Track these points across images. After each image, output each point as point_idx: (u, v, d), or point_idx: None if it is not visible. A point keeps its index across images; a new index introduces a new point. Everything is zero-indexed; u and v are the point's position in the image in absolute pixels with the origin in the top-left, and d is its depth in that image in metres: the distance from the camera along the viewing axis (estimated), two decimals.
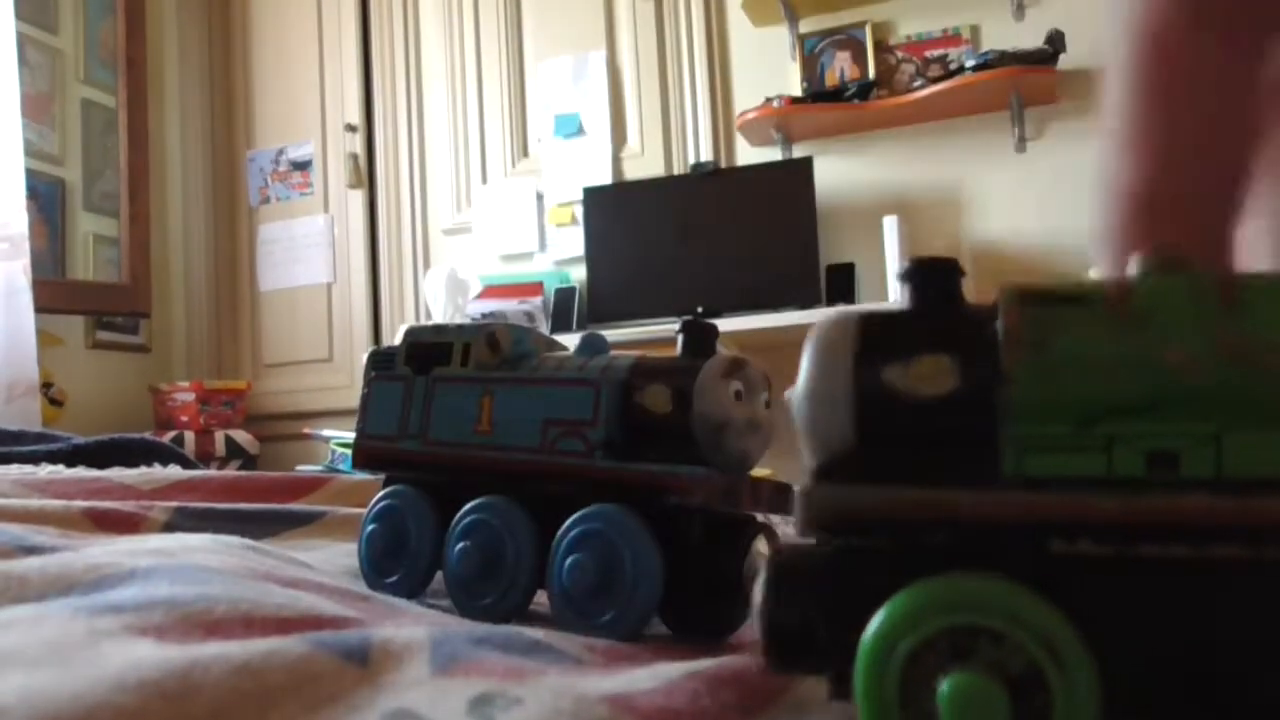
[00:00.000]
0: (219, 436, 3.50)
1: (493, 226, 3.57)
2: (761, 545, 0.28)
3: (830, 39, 3.21)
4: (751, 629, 0.31)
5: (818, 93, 3.12)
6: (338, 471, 2.31)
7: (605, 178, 3.40)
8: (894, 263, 2.79)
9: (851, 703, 0.18)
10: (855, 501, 0.17)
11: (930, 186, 3.08)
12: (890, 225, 2.81)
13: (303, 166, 3.91)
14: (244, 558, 0.30)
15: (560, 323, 3.30)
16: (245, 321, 3.97)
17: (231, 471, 0.64)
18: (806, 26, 3.26)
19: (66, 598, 0.23)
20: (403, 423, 0.32)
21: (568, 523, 0.28)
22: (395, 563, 0.32)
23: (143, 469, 0.63)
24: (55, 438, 0.89)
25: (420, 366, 0.32)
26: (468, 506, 0.30)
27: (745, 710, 0.20)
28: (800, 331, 2.18)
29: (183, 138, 3.96)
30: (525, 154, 3.61)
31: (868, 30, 3.18)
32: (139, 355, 3.75)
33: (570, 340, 0.34)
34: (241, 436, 3.58)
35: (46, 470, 0.64)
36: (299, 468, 2.98)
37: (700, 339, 0.27)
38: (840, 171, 3.17)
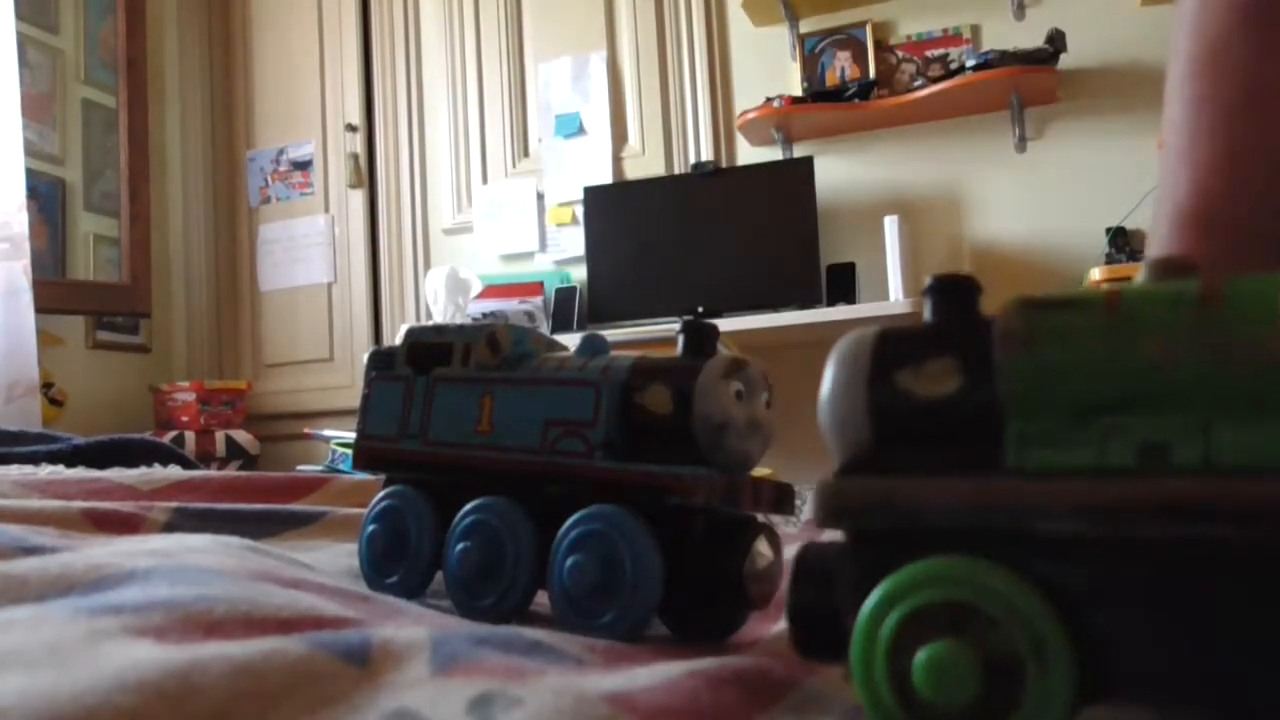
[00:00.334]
0: (219, 437, 3.50)
1: (493, 226, 3.58)
2: (763, 546, 0.28)
3: (831, 39, 3.22)
4: (752, 629, 0.31)
5: (818, 92, 3.12)
6: (338, 472, 2.32)
7: (605, 177, 3.41)
8: (894, 262, 2.79)
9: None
10: (866, 494, 0.18)
11: (930, 186, 3.09)
12: (891, 225, 2.81)
13: (303, 166, 3.91)
14: (244, 558, 0.30)
15: (561, 322, 3.30)
16: (245, 321, 3.97)
17: (231, 472, 0.64)
18: (807, 26, 3.26)
19: (66, 598, 0.23)
20: (403, 423, 0.32)
21: (568, 523, 0.28)
22: (395, 563, 0.32)
23: (143, 469, 0.63)
24: (55, 438, 0.89)
25: (421, 367, 0.32)
26: (468, 507, 0.30)
27: (747, 708, 0.20)
28: (800, 331, 2.18)
29: (183, 138, 3.97)
30: (526, 154, 3.61)
31: (868, 30, 3.18)
32: (139, 355, 3.75)
33: (571, 340, 0.34)
34: (242, 437, 3.58)
35: (47, 470, 0.64)
36: (299, 468, 2.98)
37: (701, 339, 0.27)
38: (840, 171, 3.17)
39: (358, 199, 3.83)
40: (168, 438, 3.11)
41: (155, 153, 3.82)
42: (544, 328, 3.27)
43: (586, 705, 0.19)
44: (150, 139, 3.78)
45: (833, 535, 0.21)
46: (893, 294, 2.78)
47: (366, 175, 3.84)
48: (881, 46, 3.17)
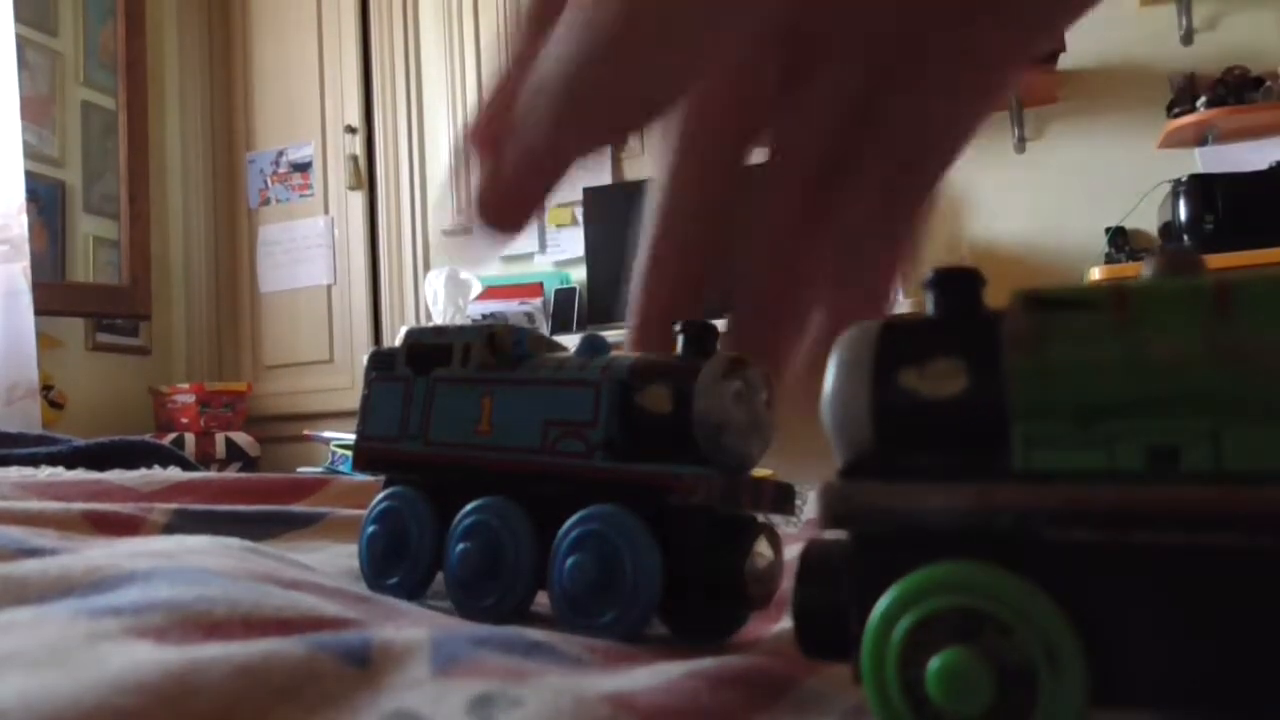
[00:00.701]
0: (219, 438, 3.50)
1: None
2: (763, 546, 0.28)
3: None
4: (752, 629, 0.30)
5: None
6: (338, 473, 2.31)
7: (605, 178, 3.40)
8: None
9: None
10: (868, 496, 0.18)
11: None
12: None
13: (303, 168, 3.91)
14: (244, 559, 0.29)
15: (560, 323, 3.30)
16: (245, 323, 3.97)
17: (231, 474, 0.64)
18: None
19: (66, 600, 0.23)
20: (403, 424, 0.32)
21: (567, 523, 0.28)
22: (396, 564, 0.32)
23: (142, 471, 0.63)
24: (55, 440, 0.89)
25: (420, 367, 0.32)
26: (468, 507, 0.30)
27: (747, 708, 0.20)
28: None
29: (183, 140, 3.97)
30: None
31: None
32: (139, 357, 3.75)
33: (571, 341, 0.34)
34: (242, 438, 3.58)
35: (46, 472, 0.64)
36: (299, 469, 2.98)
37: (700, 339, 0.27)
38: None
39: (357, 201, 3.83)
40: (168, 440, 3.11)
41: (155, 155, 3.82)
42: (544, 329, 3.27)
43: (586, 706, 0.19)
44: (150, 141, 3.78)
45: (836, 533, 0.21)
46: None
47: (366, 177, 3.84)
48: None
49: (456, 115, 3.70)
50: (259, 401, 3.80)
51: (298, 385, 3.83)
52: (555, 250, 3.49)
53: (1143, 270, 0.17)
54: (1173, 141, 2.88)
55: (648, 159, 2.71)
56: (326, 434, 3.17)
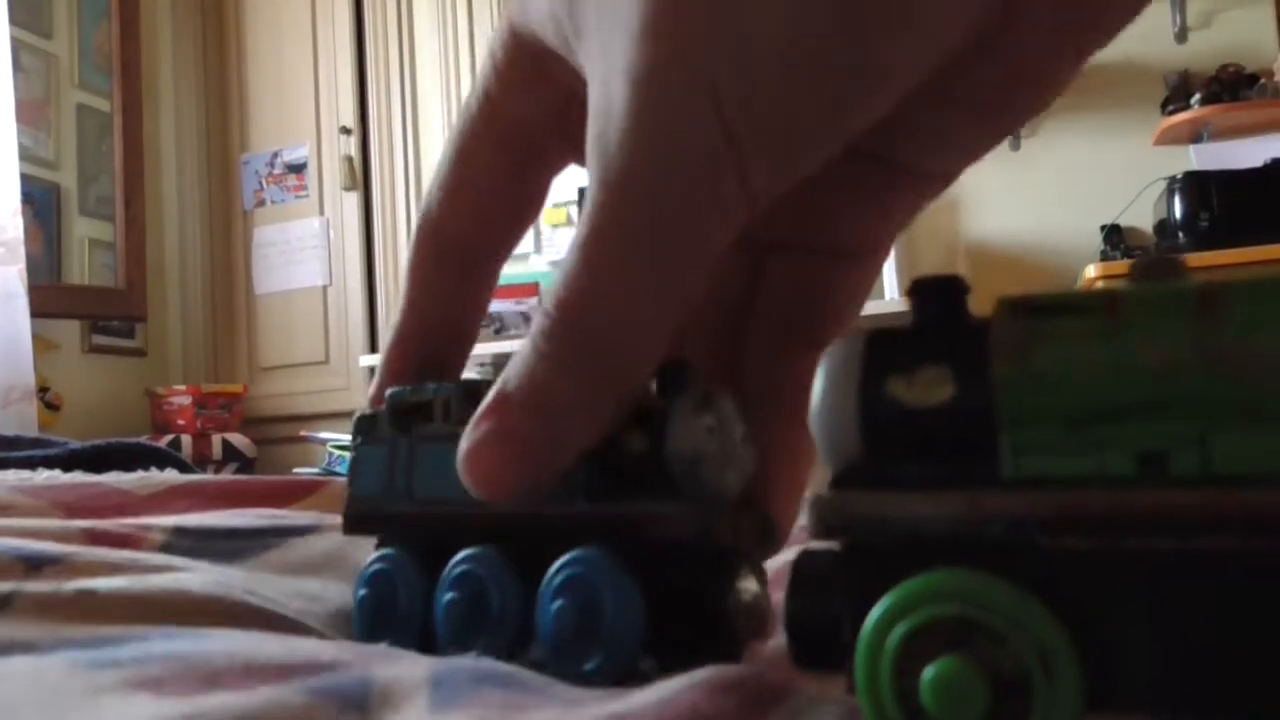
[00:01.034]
0: (216, 440, 3.50)
1: None
2: (748, 580, 0.28)
3: None
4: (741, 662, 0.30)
5: None
6: (335, 474, 2.31)
7: None
8: (889, 261, 2.79)
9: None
10: (859, 506, 0.18)
11: None
12: None
13: (298, 169, 3.91)
14: (243, 601, 0.30)
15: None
16: (241, 325, 3.96)
17: (228, 476, 0.64)
18: None
19: (64, 650, 0.23)
20: (388, 483, 0.32)
21: (552, 569, 0.28)
22: (387, 628, 0.32)
23: (139, 474, 0.63)
24: (51, 443, 0.89)
25: (402, 427, 0.32)
26: (455, 559, 0.30)
27: (745, 714, 0.20)
28: None
29: (178, 142, 3.96)
30: None
31: None
32: (135, 359, 3.75)
33: None
34: (238, 440, 3.57)
35: (43, 475, 0.64)
36: (296, 470, 2.98)
37: (673, 379, 0.28)
38: None
39: (352, 201, 3.83)
40: (164, 441, 3.11)
41: (150, 157, 3.82)
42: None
43: None
44: (145, 143, 3.77)
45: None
46: (888, 293, 2.78)
47: (361, 178, 3.84)
48: None
49: (451, 115, 3.70)
50: (255, 403, 3.80)
51: (294, 386, 3.82)
52: (551, 250, 3.49)
53: (1128, 274, 0.18)
54: (1167, 139, 2.88)
55: None
56: (323, 435, 3.17)
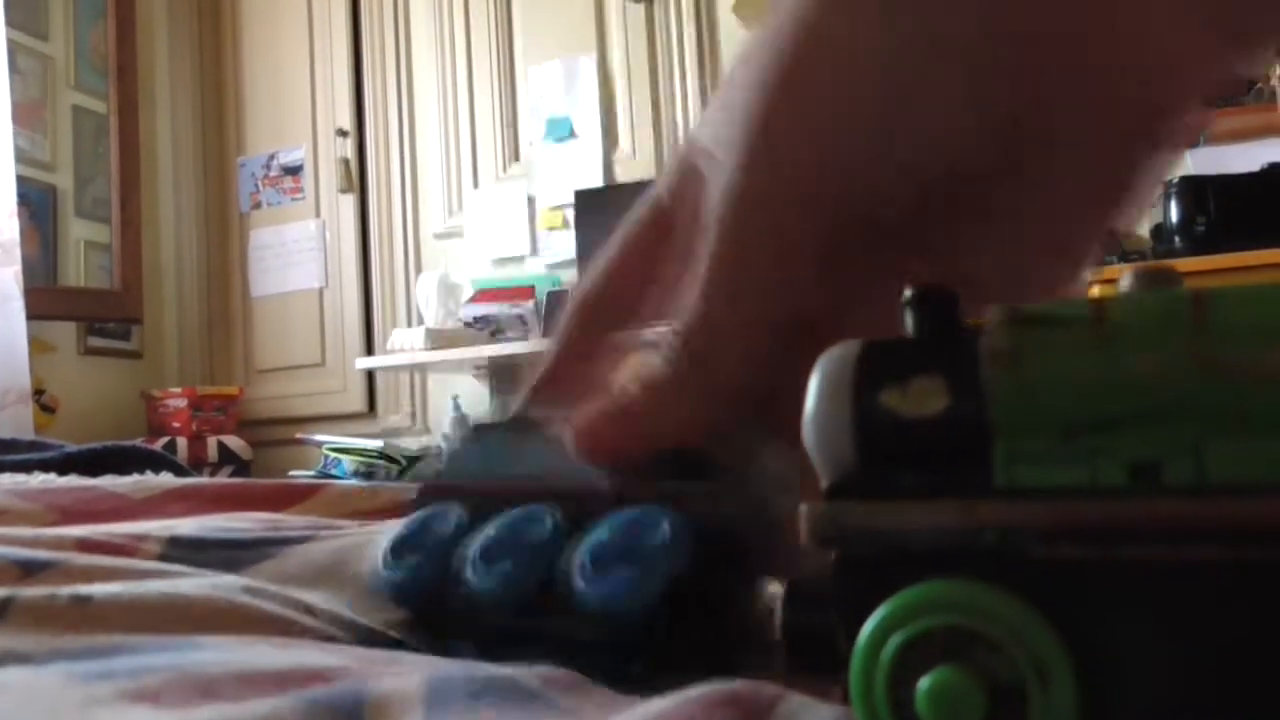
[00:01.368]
0: (211, 442, 3.50)
1: (484, 230, 3.57)
2: (773, 590, 0.27)
3: None
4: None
5: None
6: (331, 478, 2.31)
7: (597, 181, 3.41)
8: None
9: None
10: (853, 516, 0.18)
11: None
12: None
13: (294, 171, 3.91)
14: (240, 606, 0.30)
15: (552, 326, 3.30)
16: (237, 327, 3.96)
17: (224, 479, 0.64)
18: None
19: (59, 662, 0.23)
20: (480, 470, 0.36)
21: (599, 519, 0.28)
22: (413, 551, 0.31)
23: (135, 477, 0.63)
24: (47, 446, 0.89)
25: (517, 435, 0.36)
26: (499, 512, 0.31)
27: None
28: None
29: (174, 143, 3.96)
30: (516, 158, 3.61)
31: None
32: (131, 361, 3.74)
33: None
34: (234, 442, 3.57)
35: (39, 478, 0.63)
36: (291, 473, 2.98)
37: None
38: None
39: (349, 204, 3.83)
40: (160, 444, 3.11)
41: (146, 159, 3.82)
42: (536, 331, 3.27)
43: None
44: (141, 145, 3.77)
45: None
46: None
47: (357, 180, 3.84)
48: None
49: (447, 117, 3.70)
50: (251, 405, 3.80)
51: (289, 389, 3.82)
52: (547, 253, 3.49)
53: (1120, 285, 0.18)
54: None
55: (638, 161, 2.71)
56: (319, 437, 3.17)
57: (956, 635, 0.17)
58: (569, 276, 3.39)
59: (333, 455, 2.98)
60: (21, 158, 3.25)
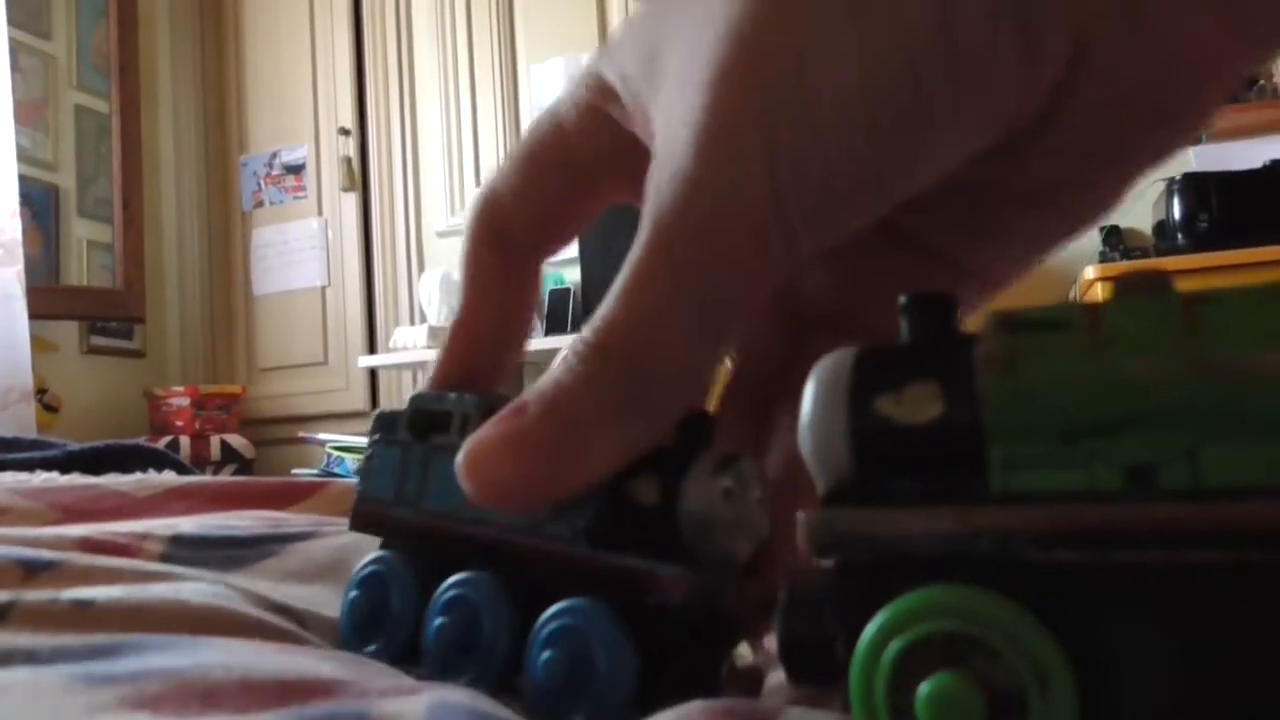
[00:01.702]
0: (214, 441, 3.50)
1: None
2: (744, 650, 0.27)
3: None
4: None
5: None
6: (334, 476, 2.31)
7: None
8: None
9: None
10: (851, 523, 0.18)
11: None
12: None
13: (296, 170, 3.91)
14: (242, 613, 0.30)
15: (555, 324, 3.30)
16: (240, 326, 3.96)
17: (226, 477, 0.64)
18: None
19: (63, 663, 0.23)
20: (399, 488, 0.32)
21: (545, 615, 0.27)
22: (377, 631, 0.31)
23: (137, 476, 0.63)
24: (49, 444, 0.89)
25: (420, 433, 0.32)
26: (449, 581, 0.30)
27: None
28: None
29: (176, 142, 3.96)
30: None
31: None
32: (133, 360, 3.75)
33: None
34: (237, 441, 3.58)
35: (41, 477, 0.64)
36: (294, 471, 2.98)
37: (694, 432, 0.27)
38: None
39: (351, 202, 3.83)
40: (162, 443, 3.11)
41: (148, 158, 3.82)
42: (538, 329, 3.27)
43: None
44: (143, 144, 3.78)
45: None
46: None
47: (360, 178, 3.84)
48: None
49: (450, 116, 3.70)
50: (253, 404, 3.80)
51: (292, 387, 3.82)
52: None
53: (1114, 290, 0.18)
54: None
55: None
56: (321, 436, 3.16)
57: (955, 641, 0.17)
58: (571, 275, 3.39)
59: (336, 454, 2.97)
60: (24, 157, 3.26)
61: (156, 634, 0.26)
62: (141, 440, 0.92)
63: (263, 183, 3.96)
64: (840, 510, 0.19)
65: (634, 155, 0.28)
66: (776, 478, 0.29)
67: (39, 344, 3.18)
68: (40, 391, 3.19)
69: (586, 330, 0.24)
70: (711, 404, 0.29)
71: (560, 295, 3.33)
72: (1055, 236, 0.28)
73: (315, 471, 2.92)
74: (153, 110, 3.87)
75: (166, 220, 3.93)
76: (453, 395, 0.31)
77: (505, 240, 0.32)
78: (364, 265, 3.81)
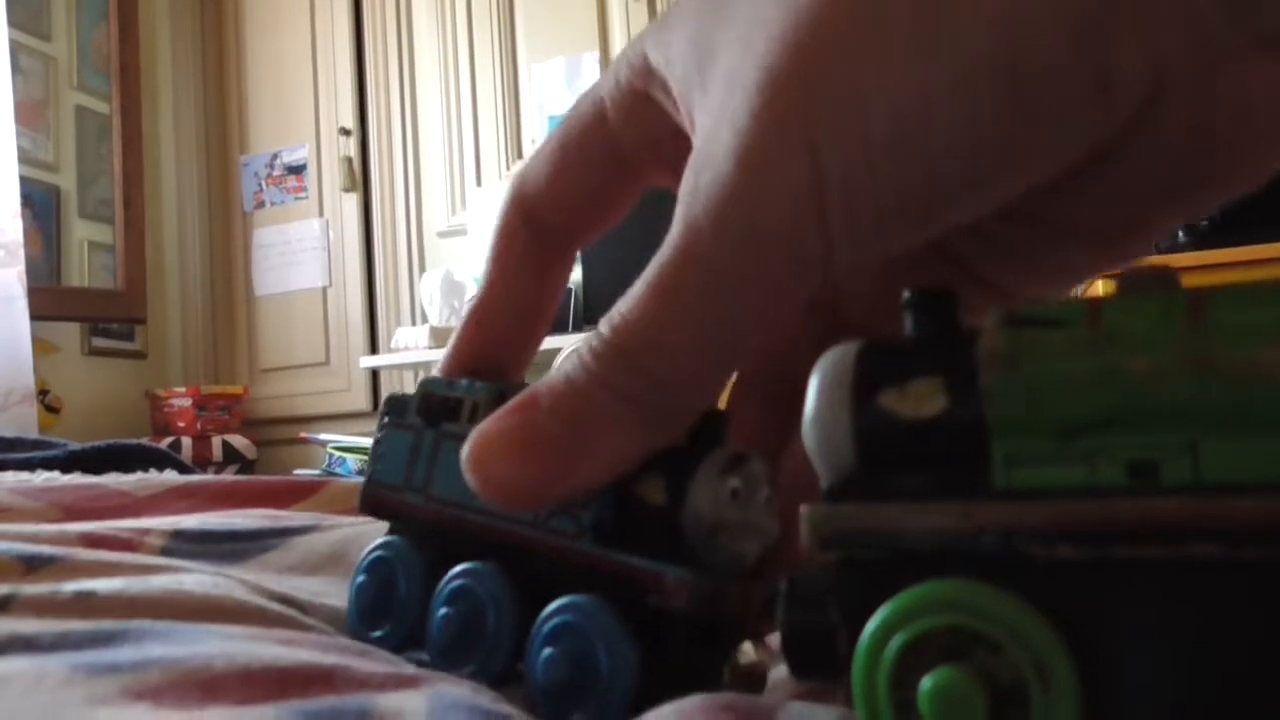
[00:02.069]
0: (216, 442, 3.50)
1: (488, 229, 3.56)
2: (747, 650, 0.27)
3: None
4: None
5: None
6: (335, 475, 2.31)
7: None
8: None
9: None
10: (854, 518, 0.18)
11: None
12: None
13: (297, 170, 3.91)
14: (243, 602, 0.30)
15: (556, 324, 3.29)
16: (241, 326, 3.97)
17: (228, 477, 0.64)
18: None
19: (64, 652, 0.23)
20: (408, 474, 0.32)
21: (547, 610, 0.27)
22: (383, 616, 0.31)
23: (139, 475, 0.63)
24: (51, 445, 0.89)
25: (431, 419, 0.32)
26: (454, 570, 0.30)
27: None
28: None
29: (177, 143, 3.96)
30: (519, 156, 3.61)
31: None
32: (135, 361, 3.75)
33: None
34: (239, 441, 3.58)
35: (42, 477, 0.64)
36: (296, 472, 2.98)
37: (706, 432, 0.26)
38: None
39: (352, 202, 3.83)
40: (164, 443, 3.11)
41: (149, 159, 3.82)
42: None
43: None
44: (144, 145, 3.78)
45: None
46: None
47: (360, 179, 3.84)
48: None
49: (450, 115, 3.70)
50: (255, 404, 3.80)
51: (294, 388, 3.83)
52: None
53: (1117, 287, 0.18)
54: None
55: None
56: (323, 436, 3.16)
57: (958, 636, 0.17)
58: (573, 274, 3.38)
59: (337, 454, 2.97)
60: (24, 158, 3.26)
61: (158, 621, 0.26)
62: (143, 441, 0.92)
63: (264, 183, 3.96)
64: (843, 505, 0.19)
65: (676, 139, 0.27)
66: (793, 478, 0.28)
67: (40, 345, 3.18)
68: (42, 393, 3.19)
69: (604, 326, 0.24)
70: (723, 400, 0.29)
71: (563, 295, 3.33)
72: (1095, 269, 0.27)
73: (317, 472, 2.92)
74: (153, 111, 3.87)
75: (167, 221, 3.93)
76: (464, 382, 0.31)
77: (538, 226, 0.31)
78: (365, 265, 3.81)
